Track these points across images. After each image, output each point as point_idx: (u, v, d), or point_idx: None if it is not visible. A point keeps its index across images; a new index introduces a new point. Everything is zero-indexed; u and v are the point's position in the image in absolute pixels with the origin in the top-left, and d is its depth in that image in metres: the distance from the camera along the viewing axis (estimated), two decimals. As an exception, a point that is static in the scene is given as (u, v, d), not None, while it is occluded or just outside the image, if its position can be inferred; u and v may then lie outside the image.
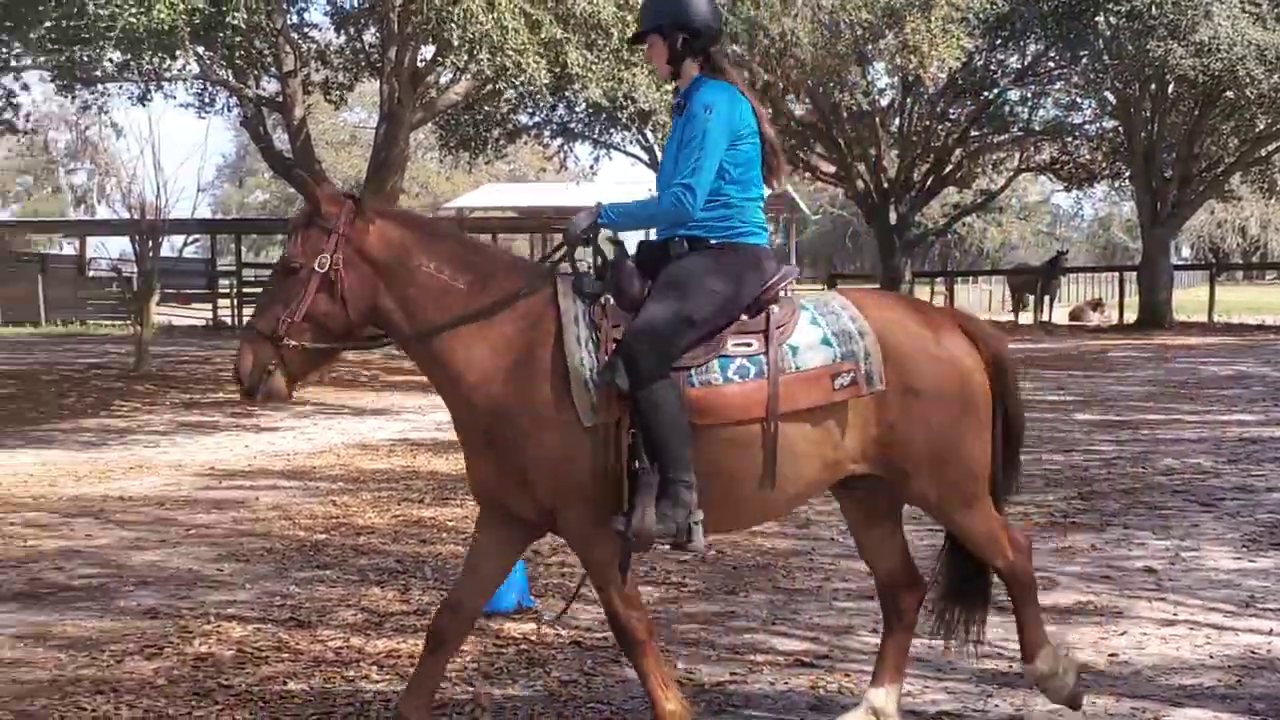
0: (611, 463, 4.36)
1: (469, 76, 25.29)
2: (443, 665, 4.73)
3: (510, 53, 17.62)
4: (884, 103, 34.02)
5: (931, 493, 4.63)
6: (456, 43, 18.56)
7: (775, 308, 4.52)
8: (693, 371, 4.41)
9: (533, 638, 5.99)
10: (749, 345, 4.46)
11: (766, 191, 4.81)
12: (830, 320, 4.54)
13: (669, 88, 20.77)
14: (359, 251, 4.47)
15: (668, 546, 4.42)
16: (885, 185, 33.99)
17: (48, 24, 18.53)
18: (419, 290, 4.48)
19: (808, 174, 37.68)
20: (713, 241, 4.57)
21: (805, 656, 5.73)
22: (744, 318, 4.50)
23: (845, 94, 31.72)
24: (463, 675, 5.44)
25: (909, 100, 33.25)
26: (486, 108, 30.20)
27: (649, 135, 30.88)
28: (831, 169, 36.13)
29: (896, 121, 34.29)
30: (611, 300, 4.48)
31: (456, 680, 5.37)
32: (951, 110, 33.68)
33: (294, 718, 4.98)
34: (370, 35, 26.66)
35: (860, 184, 34.31)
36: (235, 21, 15.82)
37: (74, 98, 25.88)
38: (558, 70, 18.83)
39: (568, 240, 4.67)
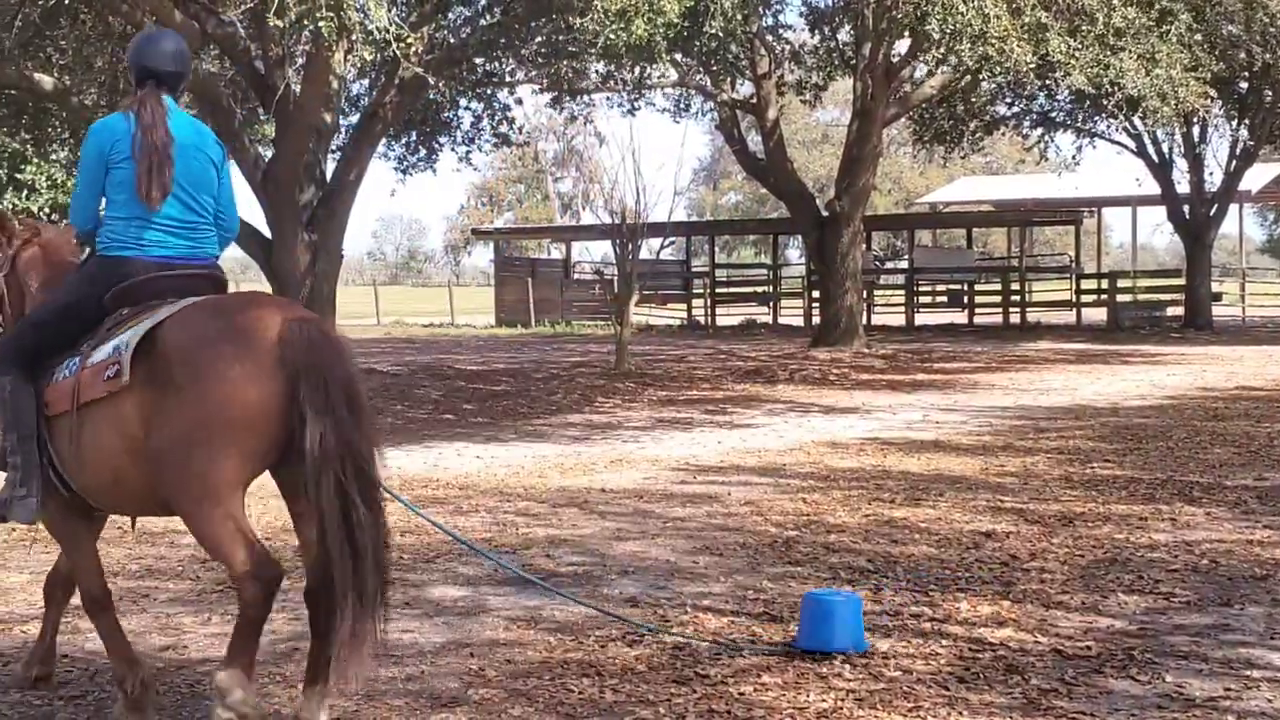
0: None
1: (946, 69, 24.92)
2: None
3: (993, 41, 17.25)
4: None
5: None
6: (936, 36, 18.35)
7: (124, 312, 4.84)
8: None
9: (1010, 644, 5.81)
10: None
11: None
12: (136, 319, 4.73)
13: (1159, 73, 19.76)
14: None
15: None
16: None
17: (539, 40, 19.65)
18: None
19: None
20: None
21: (1311, 680, 5.28)
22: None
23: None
24: (937, 678, 5.34)
25: None
26: (963, 100, 29.65)
27: (1137, 123, 29.47)
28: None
29: None
30: None
31: (930, 683, 5.28)
32: None
33: (768, 710, 5.03)
34: (844, 33, 26.70)
35: None
36: (712, 30, 16.25)
37: (562, 109, 27.28)
38: (1039, 57, 18.27)
39: None
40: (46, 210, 34.12)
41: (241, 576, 4.52)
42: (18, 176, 33.67)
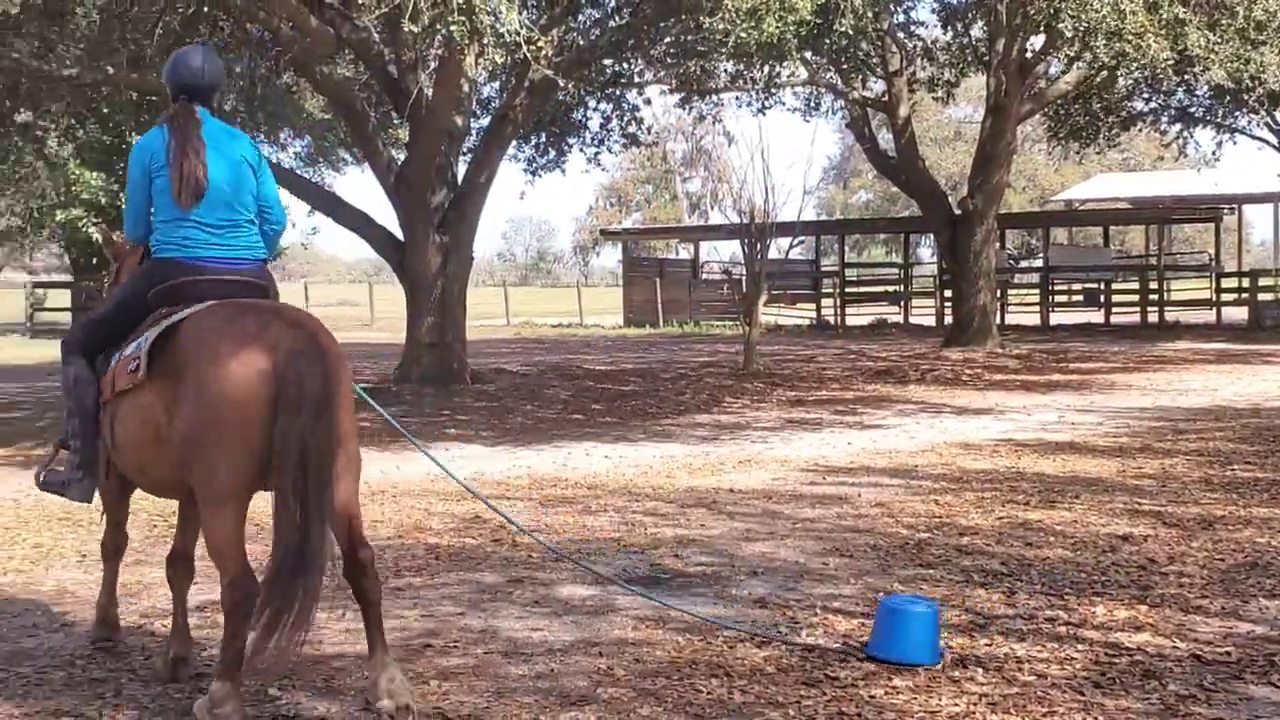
0: None
1: (1081, 65, 24.49)
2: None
3: (1129, 37, 16.90)
4: None
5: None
6: (1070, 32, 18.04)
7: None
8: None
9: (1148, 649, 5.68)
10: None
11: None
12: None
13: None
14: None
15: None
16: None
17: (667, 40, 19.67)
18: None
19: None
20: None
21: None
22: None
23: None
24: (1072, 683, 5.24)
25: None
26: (1099, 96, 29.09)
27: (1279, 117, 28.69)
28: None
29: None
30: None
31: (1065, 687, 5.18)
32: None
33: (899, 714, 4.97)
34: (977, 29, 26.36)
35: None
36: (843, 28, 16.13)
37: (691, 109, 27.28)
38: (1177, 52, 17.85)
39: None
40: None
41: (224, 584, 4.80)
42: (160, 181, 34.57)
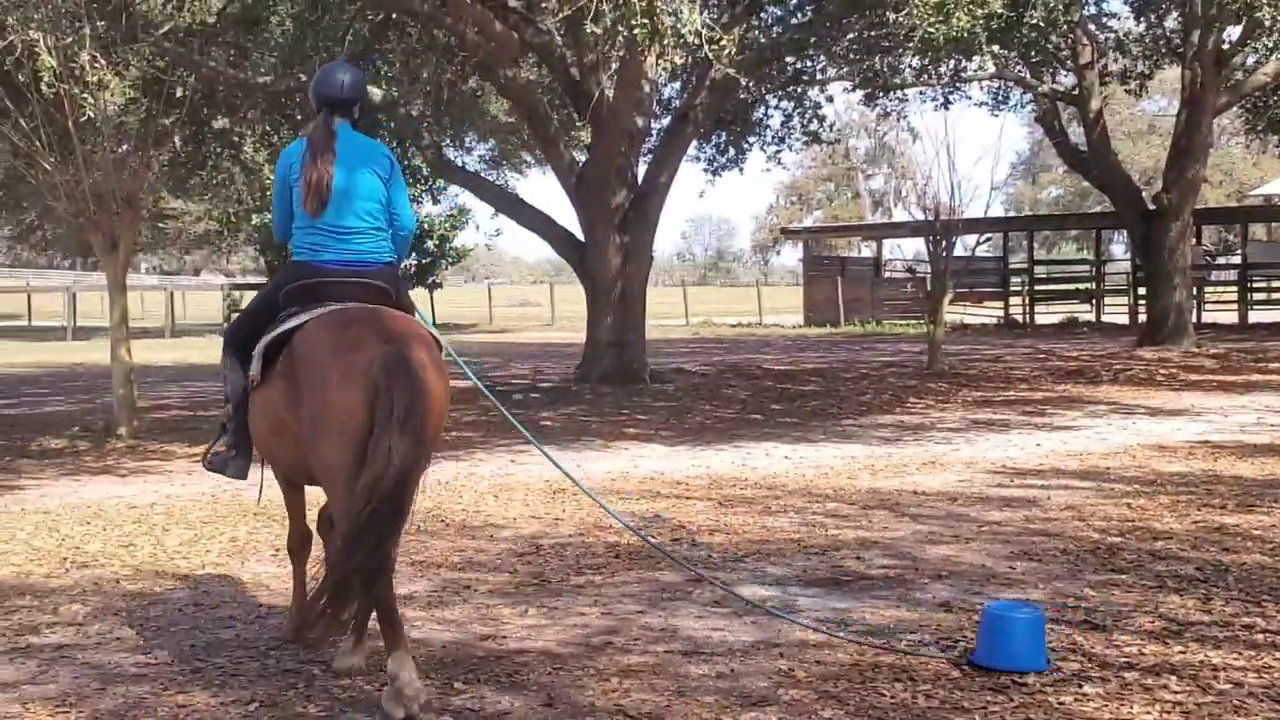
0: None
1: (1281, 55, 23.59)
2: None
3: (1331, 28, 16.25)
4: None
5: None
6: (1269, 21, 17.39)
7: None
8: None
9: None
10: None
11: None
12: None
13: None
14: None
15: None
16: None
17: (850, 36, 19.48)
18: None
19: None
20: None
21: None
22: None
23: None
24: (1270, 692, 5.01)
25: None
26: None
27: None
28: None
29: None
30: None
31: (1263, 697, 4.97)
32: None
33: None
34: (1171, 20, 25.58)
35: None
36: (1034, 20, 15.77)
37: (875, 105, 27.00)
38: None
39: None
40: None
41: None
42: (351, 185, 35.41)
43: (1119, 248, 63.23)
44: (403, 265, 6.47)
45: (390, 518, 4.92)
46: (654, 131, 22.70)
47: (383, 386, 5.00)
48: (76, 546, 8.34)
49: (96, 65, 12.47)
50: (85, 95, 12.65)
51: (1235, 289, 38.43)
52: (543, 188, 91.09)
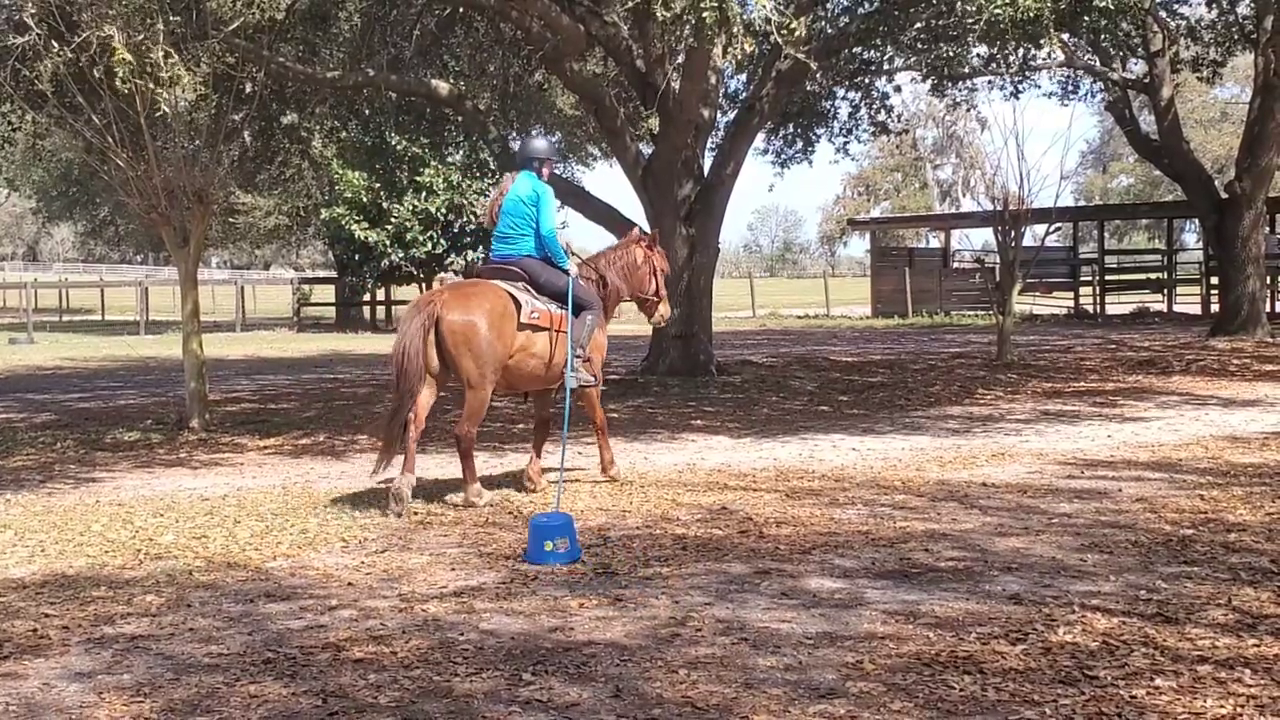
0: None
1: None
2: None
3: None
4: None
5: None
6: (1343, 6, 17.07)
7: None
8: None
9: None
10: None
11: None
12: None
13: None
14: None
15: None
16: None
17: (918, 25, 19.33)
18: None
19: None
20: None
21: None
22: None
23: None
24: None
25: None
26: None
27: None
28: None
29: None
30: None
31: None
32: None
33: (1161, 715, 4.78)
34: (1244, 6, 25.18)
35: None
36: (1103, 5, 15.56)
37: (943, 95, 26.80)
38: None
39: None
40: (443, 211, 36.02)
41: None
42: (417, 179, 35.64)
43: (1191, 237, 62.40)
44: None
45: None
46: (720, 125, 22.66)
47: (436, 331, 9.26)
48: (150, 538, 8.46)
49: (170, 61, 12.60)
50: (159, 91, 12.79)
51: (1311, 278, 37.75)
52: (609, 180, 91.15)
